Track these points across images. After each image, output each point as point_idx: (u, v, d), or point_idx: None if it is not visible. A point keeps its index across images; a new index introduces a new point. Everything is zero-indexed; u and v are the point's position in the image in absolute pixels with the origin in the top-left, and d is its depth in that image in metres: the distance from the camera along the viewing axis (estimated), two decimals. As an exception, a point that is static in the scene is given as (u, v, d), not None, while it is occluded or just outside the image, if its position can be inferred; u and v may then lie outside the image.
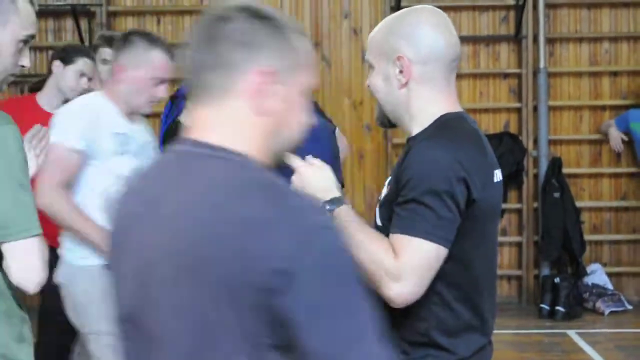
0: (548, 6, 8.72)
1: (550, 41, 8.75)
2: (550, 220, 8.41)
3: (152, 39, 3.94)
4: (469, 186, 2.30)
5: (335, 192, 2.40)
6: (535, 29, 8.64)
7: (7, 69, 2.74)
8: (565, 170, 8.56)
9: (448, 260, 2.31)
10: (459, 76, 8.17)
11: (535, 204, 8.65)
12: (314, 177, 2.40)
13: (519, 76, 8.78)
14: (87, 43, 8.12)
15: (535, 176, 8.68)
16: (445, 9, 8.84)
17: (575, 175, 8.77)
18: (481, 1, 8.84)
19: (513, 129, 8.78)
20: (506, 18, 8.83)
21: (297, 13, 8.70)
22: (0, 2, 2.68)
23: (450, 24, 2.52)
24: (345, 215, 2.36)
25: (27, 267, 2.53)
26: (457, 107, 2.48)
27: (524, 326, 7.88)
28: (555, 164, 8.54)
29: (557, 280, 8.13)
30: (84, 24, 8.51)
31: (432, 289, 2.33)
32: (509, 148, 8.63)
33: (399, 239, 2.29)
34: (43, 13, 8.65)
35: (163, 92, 3.94)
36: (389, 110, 2.49)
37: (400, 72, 2.43)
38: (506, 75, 8.87)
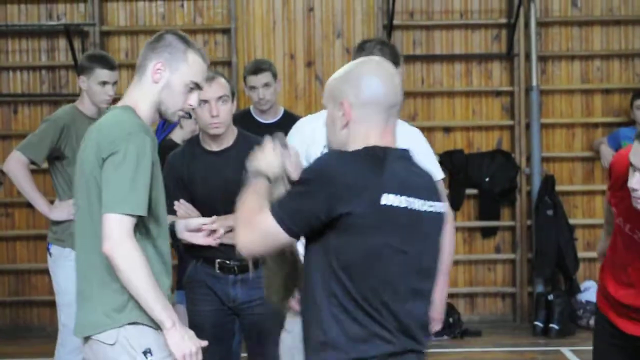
0: (540, 24, 8.76)
1: (542, 59, 8.79)
2: (543, 238, 8.42)
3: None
4: (333, 197, 2.67)
5: (269, 173, 2.88)
6: (527, 47, 8.68)
7: (176, 105, 3.48)
8: (558, 188, 8.58)
9: (342, 269, 2.70)
10: (452, 94, 8.44)
11: (529, 222, 8.67)
12: (262, 156, 2.92)
13: (511, 94, 8.81)
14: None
15: (529, 194, 8.70)
16: (437, 27, 8.98)
17: (568, 193, 8.79)
18: (473, 20, 8.88)
19: (506, 147, 8.81)
20: (498, 36, 8.87)
21: (290, 32, 8.74)
22: (176, 52, 3.45)
23: (395, 75, 2.86)
24: (259, 184, 2.87)
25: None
26: (387, 142, 2.82)
27: (518, 344, 7.88)
28: (548, 182, 8.56)
29: (550, 297, 8.14)
30: (77, 43, 8.51)
31: (334, 296, 2.71)
32: (501, 166, 8.65)
33: (267, 207, 2.78)
34: (36, 33, 8.69)
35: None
36: (334, 147, 2.87)
37: (342, 115, 2.81)
38: (498, 93, 8.90)
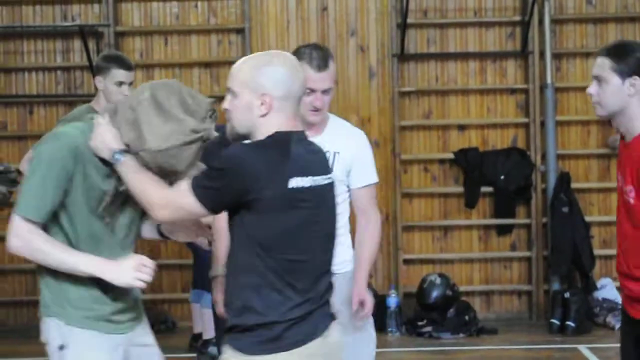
0: (554, 21, 8.74)
1: (556, 56, 8.76)
2: (559, 235, 8.40)
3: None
4: (245, 185, 3.01)
5: (119, 145, 3.20)
6: (541, 44, 8.66)
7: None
8: (573, 185, 8.56)
9: (255, 242, 3.05)
10: (467, 92, 8.38)
11: (544, 219, 8.65)
12: (102, 134, 3.21)
13: (526, 92, 8.79)
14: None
15: (544, 191, 8.68)
16: (451, 25, 8.96)
17: (584, 190, 8.76)
18: (487, 17, 8.86)
19: (521, 144, 8.79)
20: (512, 34, 8.85)
21: (304, 31, 8.74)
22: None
23: (299, 66, 3.23)
24: (130, 161, 3.19)
25: None
26: (294, 127, 3.16)
27: (534, 341, 7.86)
28: (564, 179, 8.53)
29: (567, 295, 8.11)
30: (92, 44, 8.54)
31: (254, 268, 3.05)
32: (517, 163, 8.64)
33: (184, 185, 3.12)
34: (51, 34, 8.72)
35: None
36: (242, 131, 3.17)
37: (262, 104, 3.10)
38: (513, 91, 8.88)
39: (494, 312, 8.73)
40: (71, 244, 3.36)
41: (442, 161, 8.84)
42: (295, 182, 3.07)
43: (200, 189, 3.08)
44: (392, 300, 8.06)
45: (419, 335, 7.94)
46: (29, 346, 8.07)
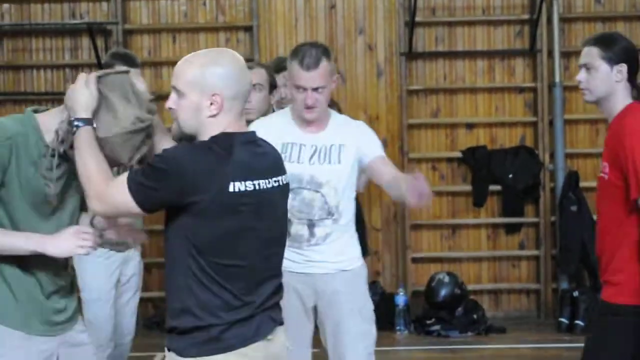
0: (562, 20, 8.72)
1: (565, 55, 8.74)
2: (567, 234, 8.38)
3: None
4: (182, 187, 2.93)
5: (84, 113, 3.09)
6: (550, 42, 8.64)
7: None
8: (582, 184, 8.53)
9: (192, 245, 2.98)
10: (475, 91, 8.33)
11: (553, 218, 8.63)
12: (74, 96, 3.12)
13: (534, 90, 8.78)
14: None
15: (552, 190, 8.66)
16: (459, 24, 8.93)
17: (593, 189, 8.69)
18: (495, 16, 8.85)
19: (529, 143, 8.77)
20: (521, 32, 8.83)
21: (312, 29, 8.74)
22: None
23: (244, 65, 3.11)
24: (85, 133, 3.08)
25: None
26: (238, 128, 3.09)
27: (542, 340, 7.84)
28: (572, 178, 8.51)
29: (575, 294, 8.10)
30: (100, 42, 8.55)
31: (190, 270, 3.00)
32: (525, 162, 8.62)
33: (121, 180, 3.01)
34: (60, 32, 8.72)
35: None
36: (188, 131, 3.10)
37: (211, 104, 3.02)
38: (521, 90, 8.86)
39: (502, 310, 8.71)
40: None
41: (450, 160, 8.83)
42: (236, 187, 2.99)
43: (136, 186, 2.98)
44: (401, 299, 8.05)
45: (428, 334, 7.93)
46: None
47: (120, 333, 5.64)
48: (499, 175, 8.63)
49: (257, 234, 3.06)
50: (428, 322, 8.00)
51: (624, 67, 4.00)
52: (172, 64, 9.14)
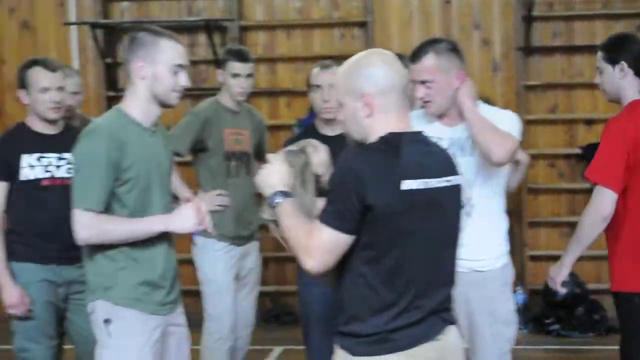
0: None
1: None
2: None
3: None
4: (362, 191, 2.92)
5: (281, 187, 3.18)
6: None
7: (167, 90, 3.82)
8: None
9: (366, 248, 2.97)
10: (595, 86, 8.08)
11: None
12: (269, 174, 3.23)
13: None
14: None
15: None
16: (578, 18, 8.69)
17: None
18: (616, 9, 8.63)
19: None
20: (641, 26, 8.60)
21: (427, 24, 8.67)
22: (148, 45, 3.80)
23: (396, 58, 3.14)
24: (286, 205, 3.13)
25: None
26: (403, 127, 3.09)
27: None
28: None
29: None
30: (217, 38, 8.64)
31: (357, 273, 2.99)
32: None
33: (316, 224, 3.01)
34: (177, 29, 8.81)
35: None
36: (357, 137, 3.14)
37: (364, 105, 3.06)
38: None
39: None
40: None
41: (568, 156, 8.65)
42: (408, 185, 2.98)
43: (328, 216, 2.97)
44: (519, 297, 7.92)
45: (547, 334, 7.79)
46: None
47: (240, 326, 5.69)
48: (619, 173, 8.41)
49: (429, 235, 3.04)
50: (547, 321, 7.85)
51: (624, 66, 4.32)
52: (287, 60, 9.28)
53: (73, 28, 8.88)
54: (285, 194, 3.17)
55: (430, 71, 4.15)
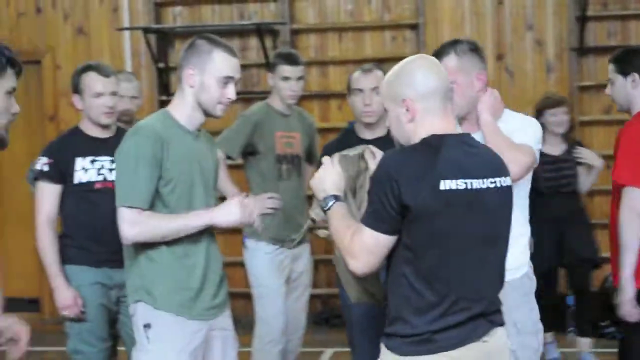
0: None
1: None
2: None
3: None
4: (398, 190, 2.95)
5: (334, 191, 3.27)
6: None
7: (213, 101, 3.86)
8: None
9: (406, 249, 3.00)
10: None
11: None
12: (323, 177, 3.32)
13: None
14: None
15: None
16: (633, 17, 8.59)
17: None
18: (672, 8, 8.52)
19: None
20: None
21: (480, 26, 8.62)
22: (202, 54, 3.84)
23: (438, 63, 3.21)
24: (337, 208, 3.22)
25: None
26: (446, 129, 3.11)
27: None
28: None
29: None
30: (268, 42, 8.67)
31: (400, 272, 3.03)
32: None
33: (359, 226, 3.08)
34: (229, 33, 8.88)
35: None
36: (402, 142, 3.17)
37: (406, 111, 3.11)
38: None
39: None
40: None
41: (623, 157, 8.54)
42: (447, 185, 2.99)
43: (369, 217, 3.04)
44: (572, 299, 7.82)
45: (601, 336, 7.69)
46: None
47: (291, 329, 5.69)
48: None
49: (471, 234, 3.05)
50: (602, 324, 7.74)
51: (635, 77, 4.56)
52: (338, 62, 9.26)
53: (126, 33, 8.98)
54: (337, 198, 3.25)
55: (451, 72, 4.08)
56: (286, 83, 5.64)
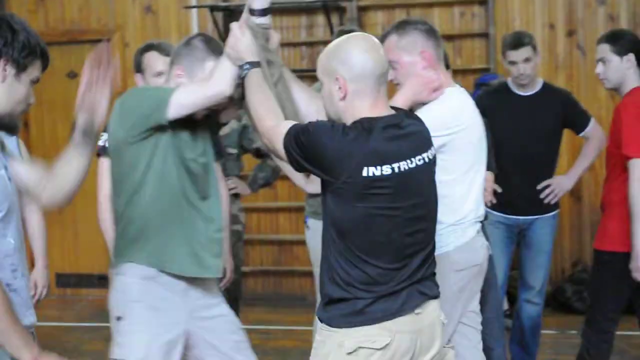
0: None
1: None
2: None
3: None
4: (323, 163, 3.03)
5: (254, 57, 3.39)
6: None
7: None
8: None
9: (338, 230, 3.06)
10: None
11: None
12: (234, 44, 3.41)
13: None
14: (338, 38, 8.19)
15: None
16: None
17: None
18: None
19: None
20: None
21: (550, 1, 8.45)
22: (195, 59, 3.76)
23: (378, 45, 3.19)
24: (253, 75, 3.36)
25: None
26: (378, 112, 3.13)
27: None
28: None
29: None
30: (335, 19, 8.61)
31: (332, 247, 3.09)
32: None
33: (283, 128, 3.16)
34: (296, 10, 8.85)
35: None
36: (334, 117, 3.19)
37: (339, 88, 3.11)
38: None
39: None
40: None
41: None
42: (370, 171, 3.04)
43: (287, 147, 3.13)
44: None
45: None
46: (277, 315, 8.31)
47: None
48: None
49: (397, 215, 3.11)
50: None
51: (631, 57, 4.85)
52: (406, 39, 8.99)
53: (194, 11, 9.00)
54: (252, 65, 3.39)
55: (393, 51, 3.99)
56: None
